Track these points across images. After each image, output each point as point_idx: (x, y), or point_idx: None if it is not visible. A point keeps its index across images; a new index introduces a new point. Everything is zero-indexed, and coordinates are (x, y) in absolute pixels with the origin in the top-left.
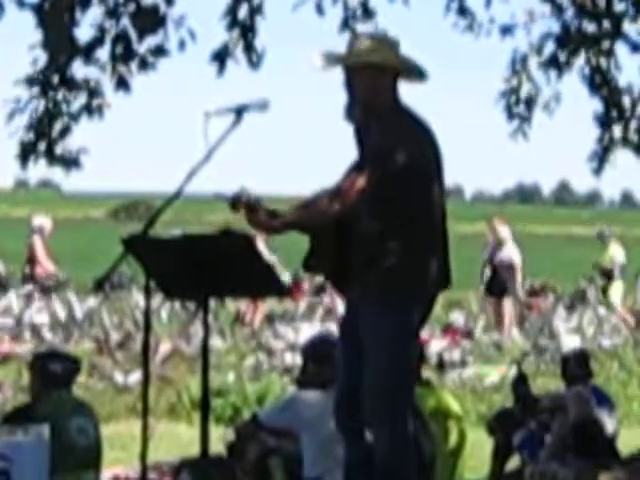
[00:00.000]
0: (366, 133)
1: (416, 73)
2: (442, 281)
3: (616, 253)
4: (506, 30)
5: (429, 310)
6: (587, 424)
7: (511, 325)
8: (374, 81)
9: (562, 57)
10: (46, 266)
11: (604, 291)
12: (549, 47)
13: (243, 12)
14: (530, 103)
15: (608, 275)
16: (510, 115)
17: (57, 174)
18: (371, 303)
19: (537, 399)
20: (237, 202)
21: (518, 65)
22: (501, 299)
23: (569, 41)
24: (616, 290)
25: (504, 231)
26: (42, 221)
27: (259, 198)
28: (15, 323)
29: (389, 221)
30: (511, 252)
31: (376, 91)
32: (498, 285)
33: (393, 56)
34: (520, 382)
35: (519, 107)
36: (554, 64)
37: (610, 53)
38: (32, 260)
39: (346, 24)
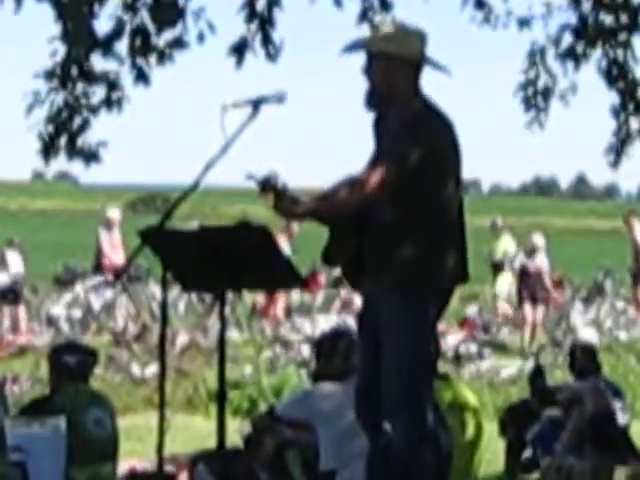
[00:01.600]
0: (385, 123)
1: (438, 68)
2: (459, 275)
3: (507, 245)
4: (523, 22)
5: (446, 304)
6: (604, 417)
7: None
8: (392, 71)
9: (579, 48)
10: (112, 258)
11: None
12: (566, 39)
13: (261, 4)
14: (547, 94)
15: (497, 267)
16: (528, 107)
17: (75, 167)
18: (388, 298)
19: (553, 391)
20: (267, 185)
21: (536, 57)
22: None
23: (586, 33)
24: (503, 282)
25: (539, 240)
26: (110, 214)
27: (285, 184)
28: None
29: (406, 214)
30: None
31: (394, 81)
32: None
33: (415, 47)
34: (537, 375)
35: (537, 98)
36: (571, 55)
37: (627, 45)
38: (99, 252)
39: (364, 16)
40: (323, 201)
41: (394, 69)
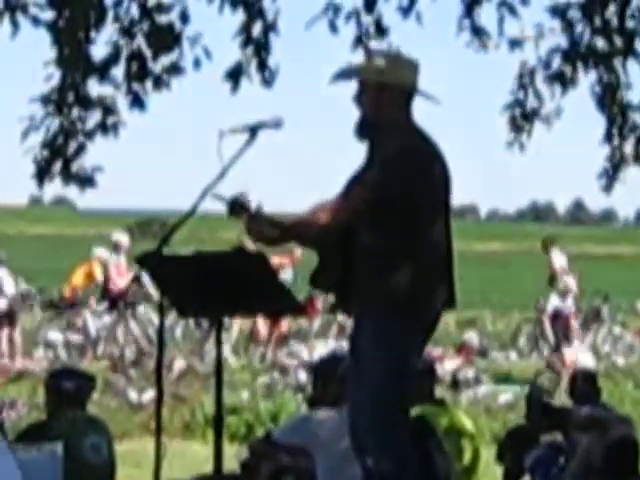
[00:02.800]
0: (374, 150)
1: (429, 98)
2: (446, 301)
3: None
4: (515, 44)
5: (432, 332)
6: (629, 446)
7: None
8: (383, 99)
9: (568, 72)
10: (117, 283)
11: None
12: (556, 62)
13: (257, 30)
14: (532, 116)
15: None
16: (513, 127)
17: (72, 192)
18: (368, 322)
19: (559, 410)
20: (235, 205)
21: (525, 78)
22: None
23: (577, 57)
24: None
25: (571, 282)
26: (119, 237)
27: (260, 205)
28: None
29: (389, 238)
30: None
31: (385, 110)
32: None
33: (406, 75)
34: (536, 392)
35: (523, 120)
36: (559, 79)
37: (620, 70)
38: (106, 277)
39: (359, 41)
40: (304, 222)
41: (385, 98)
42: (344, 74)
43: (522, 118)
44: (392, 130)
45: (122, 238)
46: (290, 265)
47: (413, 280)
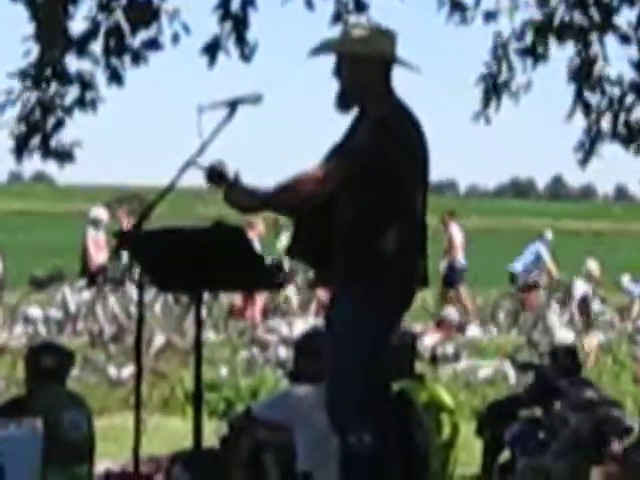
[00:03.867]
0: (354, 121)
1: (409, 67)
2: (420, 278)
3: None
4: (490, 15)
5: (408, 306)
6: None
7: None
8: (362, 71)
9: (540, 47)
10: (94, 259)
11: None
12: (529, 35)
13: (235, 4)
14: (501, 89)
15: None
16: (487, 99)
17: (51, 168)
18: (344, 293)
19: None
20: (213, 174)
21: (499, 50)
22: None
23: (550, 30)
24: None
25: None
26: (97, 213)
27: (238, 173)
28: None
29: (366, 211)
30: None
31: (364, 81)
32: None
33: (384, 47)
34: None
35: (496, 92)
36: (530, 53)
37: (598, 44)
38: (85, 252)
39: (338, 17)
40: (276, 194)
41: (364, 69)
42: (323, 47)
43: (493, 91)
44: (372, 101)
45: (101, 213)
46: (255, 238)
47: (393, 253)
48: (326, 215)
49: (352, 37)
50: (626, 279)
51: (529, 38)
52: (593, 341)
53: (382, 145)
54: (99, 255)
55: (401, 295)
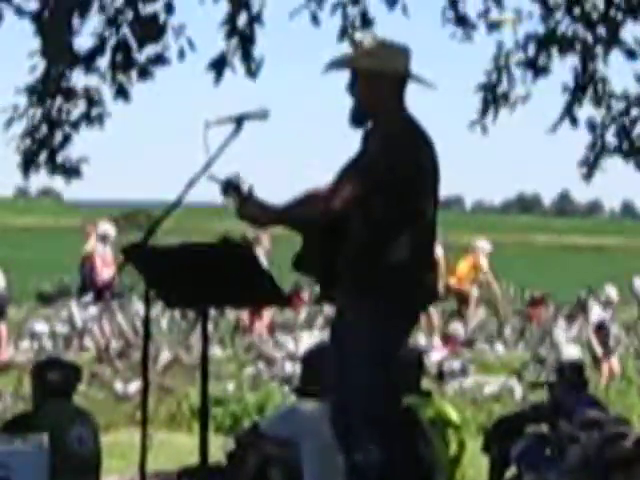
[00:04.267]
0: (368, 138)
1: (423, 83)
2: (430, 293)
3: None
4: (493, 26)
5: (416, 323)
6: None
7: None
8: (376, 87)
9: (542, 60)
10: (100, 274)
11: None
12: (531, 48)
13: (242, 20)
14: (500, 99)
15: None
16: (484, 108)
17: (58, 183)
18: (353, 309)
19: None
20: (229, 187)
21: (501, 60)
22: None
23: (553, 43)
24: None
25: (613, 292)
26: (104, 229)
27: (252, 187)
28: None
29: (378, 228)
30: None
31: (378, 97)
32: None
33: (398, 63)
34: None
35: (495, 103)
36: (531, 66)
37: (603, 59)
38: (92, 268)
39: (345, 32)
40: (295, 207)
41: (378, 85)
42: (337, 63)
43: (492, 101)
44: (385, 118)
45: (109, 229)
46: (262, 253)
47: (403, 268)
48: (336, 231)
49: (366, 53)
50: (638, 282)
51: (531, 50)
52: (614, 365)
53: (393, 161)
54: (105, 271)
55: (410, 310)
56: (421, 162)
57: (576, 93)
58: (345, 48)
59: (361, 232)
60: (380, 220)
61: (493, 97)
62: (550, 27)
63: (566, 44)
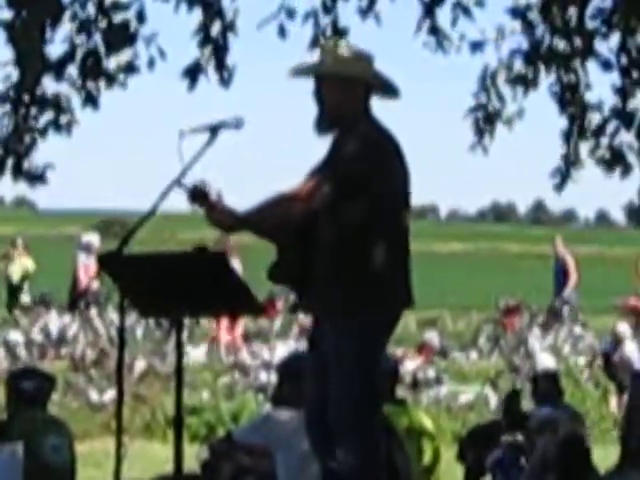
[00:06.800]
0: (334, 144)
1: (389, 89)
2: (406, 300)
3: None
4: (476, 46)
5: (393, 329)
6: (577, 442)
7: None
8: (342, 93)
9: (529, 74)
10: (84, 284)
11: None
12: (517, 64)
13: (215, 29)
14: (493, 118)
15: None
16: (477, 130)
17: (28, 191)
18: (332, 320)
19: (526, 416)
20: (196, 193)
21: (487, 81)
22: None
23: (538, 58)
24: None
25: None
26: (89, 239)
27: (220, 193)
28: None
29: (349, 231)
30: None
31: (344, 103)
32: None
33: (364, 68)
34: (513, 398)
35: (486, 122)
36: (521, 81)
37: (579, 70)
38: (75, 278)
39: (316, 42)
40: (254, 214)
41: (344, 90)
42: (303, 69)
43: (485, 121)
44: (352, 123)
45: (93, 239)
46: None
47: (379, 274)
48: (307, 239)
49: (332, 58)
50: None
51: (517, 66)
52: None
53: (364, 163)
54: (87, 281)
55: (388, 318)
56: (391, 165)
57: (565, 106)
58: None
59: (332, 237)
60: (351, 223)
61: (485, 117)
62: (534, 41)
63: (551, 58)
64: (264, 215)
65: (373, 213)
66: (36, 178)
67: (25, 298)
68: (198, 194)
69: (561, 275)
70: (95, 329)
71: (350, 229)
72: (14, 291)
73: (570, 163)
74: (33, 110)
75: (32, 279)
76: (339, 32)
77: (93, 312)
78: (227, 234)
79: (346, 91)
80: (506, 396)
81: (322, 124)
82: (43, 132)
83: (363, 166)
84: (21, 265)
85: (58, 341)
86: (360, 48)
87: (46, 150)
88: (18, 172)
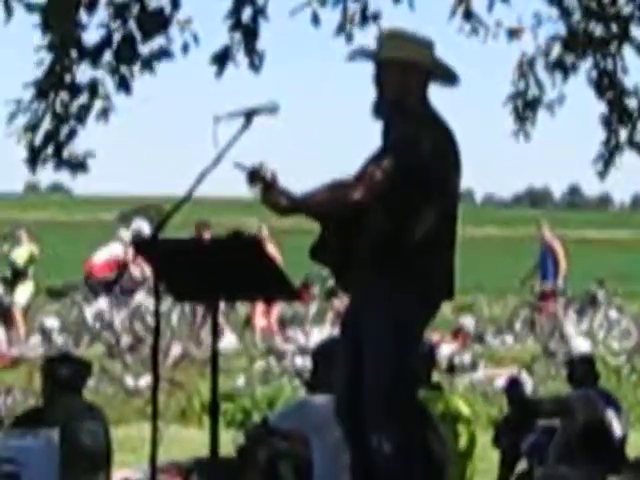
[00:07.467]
0: (391, 129)
1: (449, 76)
2: (447, 291)
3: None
4: (512, 33)
5: (432, 318)
6: (596, 427)
7: None
8: (403, 78)
9: (568, 60)
10: (131, 270)
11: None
12: (556, 50)
13: (247, 14)
14: (535, 104)
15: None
16: (517, 117)
17: (66, 178)
18: (371, 305)
19: (537, 402)
20: (255, 175)
21: (525, 67)
22: None
23: (575, 44)
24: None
25: None
26: (138, 225)
27: (275, 175)
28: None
29: (401, 218)
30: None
31: (404, 89)
32: None
33: (424, 54)
34: (513, 386)
35: (525, 109)
36: (560, 67)
37: (616, 56)
38: (125, 265)
39: (342, 28)
40: (311, 198)
41: (405, 75)
42: (364, 53)
43: (525, 107)
44: (409, 112)
45: (143, 225)
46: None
47: (421, 267)
48: (353, 220)
49: (395, 43)
50: None
51: (555, 52)
52: None
53: (421, 153)
54: (134, 268)
55: (427, 308)
56: (442, 153)
57: (602, 91)
58: (341, 43)
59: (382, 220)
60: (401, 209)
61: (525, 104)
62: (571, 26)
63: (587, 44)
64: (320, 200)
65: (424, 205)
66: (77, 166)
67: (56, 283)
68: (257, 175)
69: (548, 260)
70: (142, 315)
71: (401, 218)
72: (18, 275)
73: (613, 148)
74: (67, 97)
75: (37, 264)
76: (366, 18)
77: (139, 297)
78: (281, 216)
79: (406, 77)
80: (505, 386)
81: (381, 109)
82: (81, 119)
83: (420, 156)
84: (27, 250)
85: (94, 327)
86: (422, 34)
87: (84, 137)
88: (60, 161)
